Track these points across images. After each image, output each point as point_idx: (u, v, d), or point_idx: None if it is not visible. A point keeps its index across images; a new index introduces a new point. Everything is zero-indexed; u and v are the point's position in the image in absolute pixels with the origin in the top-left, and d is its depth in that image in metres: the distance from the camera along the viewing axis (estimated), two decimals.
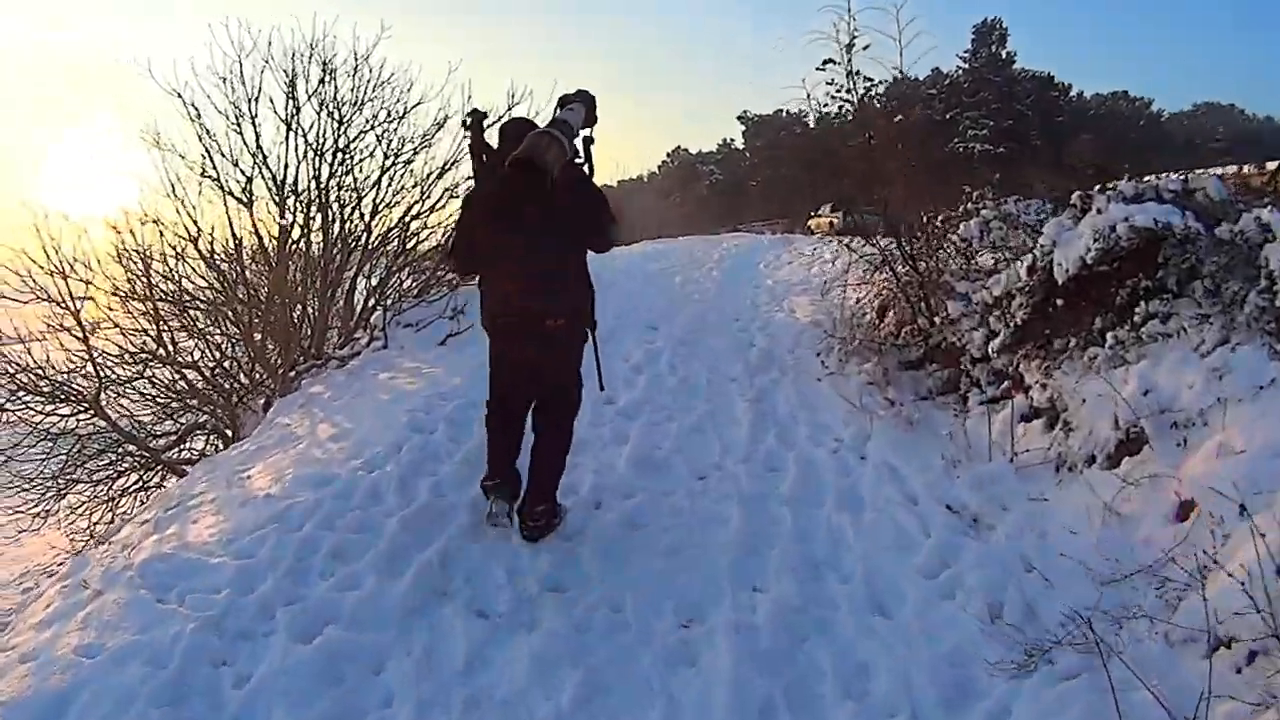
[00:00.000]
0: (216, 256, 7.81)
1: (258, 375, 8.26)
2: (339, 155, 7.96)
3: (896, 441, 4.71)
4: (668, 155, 65.93)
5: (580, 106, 3.52)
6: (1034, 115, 45.48)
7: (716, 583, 3.31)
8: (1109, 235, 4.05)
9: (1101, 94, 50.00)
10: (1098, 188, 4.62)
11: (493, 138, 3.69)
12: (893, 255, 6.40)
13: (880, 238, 6.75)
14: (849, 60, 6.58)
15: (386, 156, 8.13)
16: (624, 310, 7.94)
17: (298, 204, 7.92)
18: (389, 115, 8.08)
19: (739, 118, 55.85)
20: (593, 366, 3.81)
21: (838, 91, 6.63)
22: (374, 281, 8.55)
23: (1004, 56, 47.78)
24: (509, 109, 7.94)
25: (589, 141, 3.55)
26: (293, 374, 7.73)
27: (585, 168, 3.57)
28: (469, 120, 3.65)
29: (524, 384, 3.71)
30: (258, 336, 8.10)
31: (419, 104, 8.20)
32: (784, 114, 54.81)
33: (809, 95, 6.96)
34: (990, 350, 4.80)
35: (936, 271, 6.11)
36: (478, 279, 3.71)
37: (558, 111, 3.53)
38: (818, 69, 6.61)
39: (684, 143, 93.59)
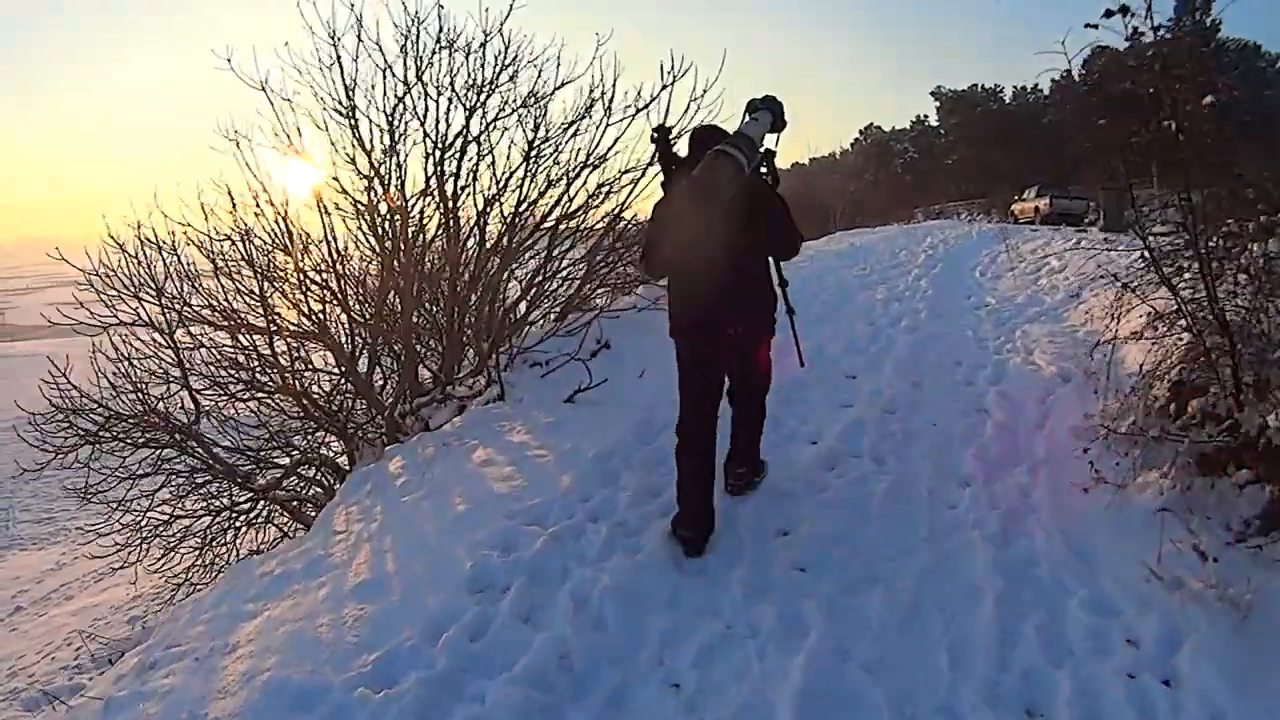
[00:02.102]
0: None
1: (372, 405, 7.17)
2: (466, 145, 6.82)
3: (1226, 652, 2.78)
4: (860, 132, 62.71)
5: (766, 114, 3.58)
6: (1242, 90, 39.44)
7: None
8: None
9: None
10: None
11: (682, 147, 3.79)
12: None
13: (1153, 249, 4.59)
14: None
15: (531, 146, 6.92)
16: (813, 346, 5.81)
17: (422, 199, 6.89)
18: (528, 97, 6.84)
19: (933, 93, 52.33)
20: (790, 345, 4.02)
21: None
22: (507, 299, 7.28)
23: (1208, 24, 41.70)
24: (664, 87, 6.91)
25: (771, 154, 3.61)
26: (408, 411, 6.57)
27: (770, 178, 3.63)
28: (655, 135, 3.80)
29: (712, 386, 3.72)
30: (362, 363, 6.97)
31: (565, 84, 6.90)
32: (979, 89, 51.25)
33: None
34: None
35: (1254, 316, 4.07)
36: (666, 281, 3.90)
37: (745, 118, 3.59)
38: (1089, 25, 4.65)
39: (876, 119, 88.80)
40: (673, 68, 6.83)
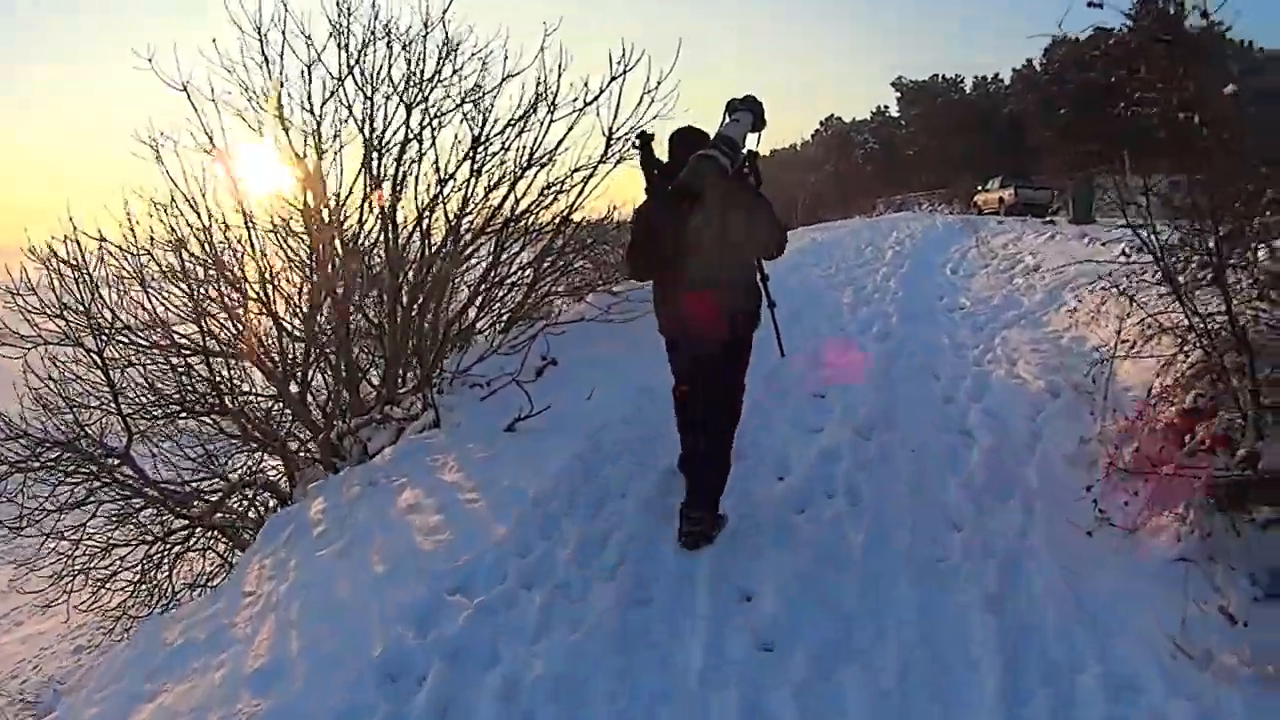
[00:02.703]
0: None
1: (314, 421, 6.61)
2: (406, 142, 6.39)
3: None
4: (821, 124, 62.36)
5: (746, 115, 3.60)
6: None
7: None
8: None
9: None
10: None
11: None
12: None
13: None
14: None
15: (476, 142, 6.45)
16: (778, 360, 5.06)
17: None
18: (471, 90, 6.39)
19: (894, 84, 51.92)
20: (771, 340, 3.95)
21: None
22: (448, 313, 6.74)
23: (1173, 14, 41.86)
24: (613, 79, 6.45)
25: (753, 155, 3.61)
26: (346, 431, 5.99)
27: (753, 178, 3.63)
28: (638, 142, 3.72)
29: (694, 380, 3.72)
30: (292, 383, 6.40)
31: (510, 77, 6.40)
32: (940, 79, 51.11)
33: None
34: None
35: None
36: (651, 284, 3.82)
37: (725, 119, 3.61)
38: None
39: (837, 110, 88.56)
40: (623, 57, 6.33)
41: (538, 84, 6.39)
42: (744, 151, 3.54)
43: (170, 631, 3.46)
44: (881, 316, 7.48)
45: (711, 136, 3.52)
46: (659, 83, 6.39)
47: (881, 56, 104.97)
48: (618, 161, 6.73)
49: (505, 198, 6.62)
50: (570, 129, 6.56)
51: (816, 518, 3.76)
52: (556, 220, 7.01)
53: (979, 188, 30.55)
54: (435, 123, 6.38)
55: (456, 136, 6.52)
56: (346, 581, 3.40)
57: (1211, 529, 3.24)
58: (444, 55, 6.31)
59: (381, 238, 6.49)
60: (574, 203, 6.93)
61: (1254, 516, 3.23)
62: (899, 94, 52.17)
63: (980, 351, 6.16)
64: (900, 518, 3.68)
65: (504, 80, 6.38)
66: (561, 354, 5.92)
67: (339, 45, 6.16)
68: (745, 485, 4.02)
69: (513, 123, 6.44)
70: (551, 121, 6.48)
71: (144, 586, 7.05)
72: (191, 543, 7.19)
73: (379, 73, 6.22)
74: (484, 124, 6.39)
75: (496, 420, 4.85)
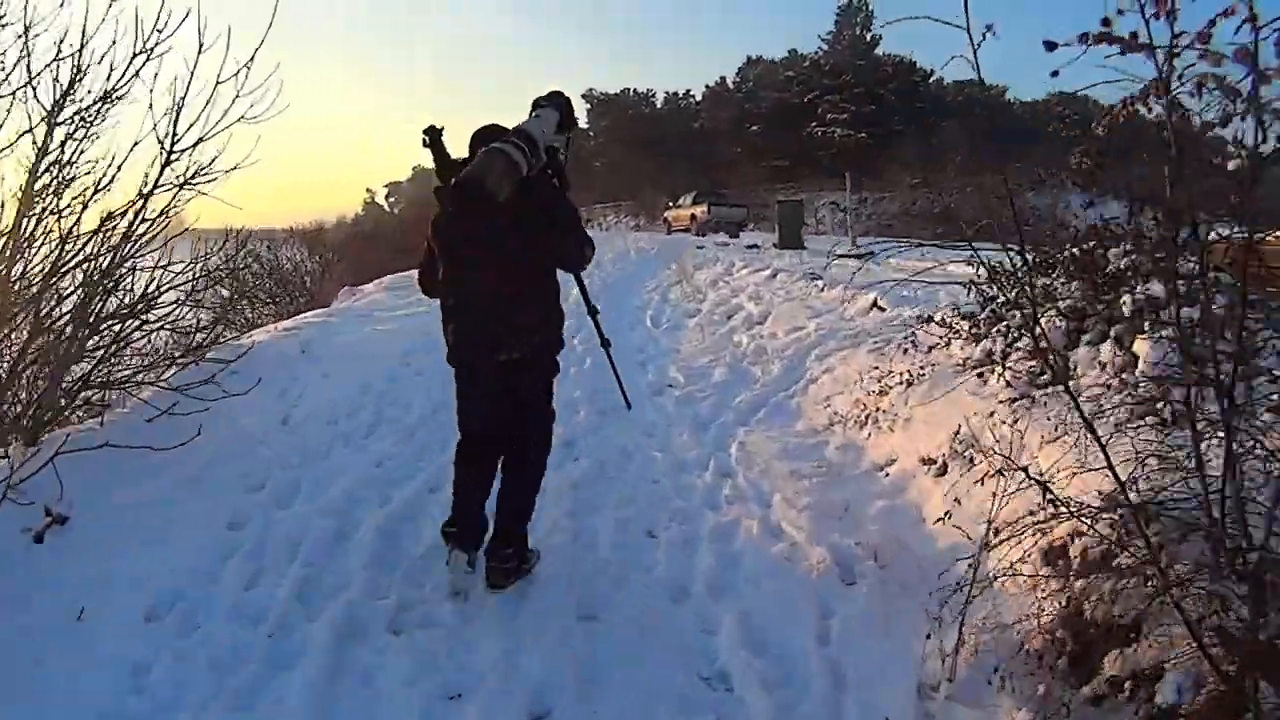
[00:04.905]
0: None
1: None
2: None
3: None
4: None
5: (551, 111, 3.27)
6: (896, 101, 43.17)
7: None
8: None
9: (960, 80, 48.28)
10: None
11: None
12: None
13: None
14: None
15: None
16: (386, 530, 3.63)
17: None
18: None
19: (584, 95, 51.67)
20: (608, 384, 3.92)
21: None
22: None
23: (868, 40, 45.18)
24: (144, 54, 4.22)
25: (553, 150, 3.21)
26: None
27: (555, 180, 3.26)
28: (426, 138, 3.17)
29: (489, 419, 3.30)
30: None
31: None
32: (631, 93, 51.61)
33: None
34: None
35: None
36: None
37: (529, 116, 3.25)
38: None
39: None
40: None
41: None
42: (547, 148, 3.09)
43: None
44: (565, 409, 5.15)
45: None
46: (246, 74, 4.23)
47: (577, 66, 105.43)
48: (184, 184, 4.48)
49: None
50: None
51: None
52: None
53: (670, 204, 29.98)
54: None
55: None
56: None
57: None
58: None
59: None
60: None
61: None
62: (589, 106, 51.99)
63: (712, 476, 4.13)
64: None
65: None
66: (82, 495, 3.36)
67: None
68: None
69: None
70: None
71: None
72: None
73: None
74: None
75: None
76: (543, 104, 3.29)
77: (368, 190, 72.53)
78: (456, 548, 3.16)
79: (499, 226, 3.02)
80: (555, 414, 3.45)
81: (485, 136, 3.11)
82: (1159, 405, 3.05)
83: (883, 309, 6.17)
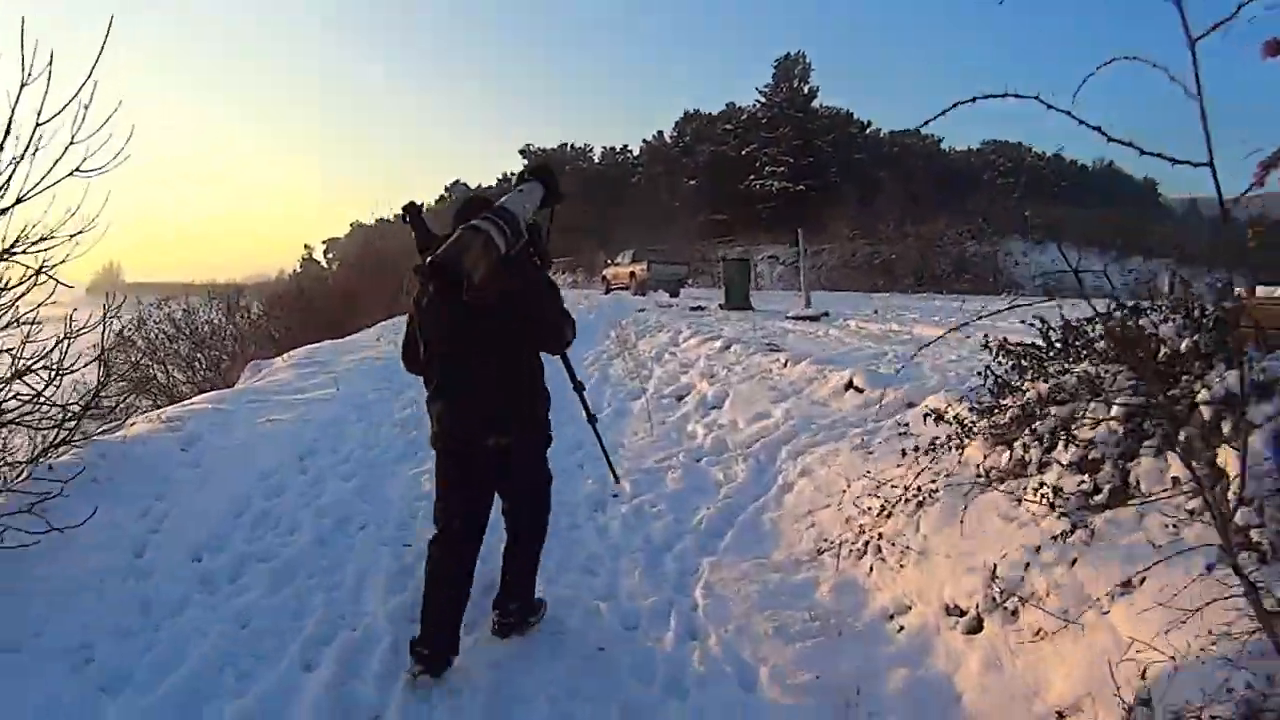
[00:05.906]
0: None
1: None
2: None
3: None
4: (446, 189, 60.91)
5: (535, 186, 3.21)
6: (834, 152, 43.53)
7: None
8: None
9: (895, 130, 48.99)
10: None
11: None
12: None
13: None
14: None
15: None
16: None
17: None
18: None
19: (521, 151, 51.56)
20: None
21: None
22: None
23: (805, 92, 45.65)
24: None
25: (535, 227, 3.12)
26: None
27: (537, 259, 3.16)
28: (406, 215, 3.16)
29: (474, 516, 3.17)
30: None
31: None
32: (569, 147, 51.63)
33: None
34: None
35: None
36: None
37: (514, 190, 3.21)
38: None
39: (463, 176, 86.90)
40: None
41: None
42: (530, 226, 3.05)
43: None
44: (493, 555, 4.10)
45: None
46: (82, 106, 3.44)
47: (512, 128, 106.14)
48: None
49: None
50: None
51: None
52: None
53: (609, 261, 29.21)
54: None
55: None
56: None
57: None
58: None
59: None
60: None
61: None
62: (526, 161, 51.87)
63: (674, 639, 3.18)
64: None
65: None
66: None
67: None
68: None
69: None
70: None
71: None
72: None
73: None
74: None
75: None
76: (528, 178, 3.24)
77: (306, 246, 71.64)
78: (425, 671, 2.93)
79: (479, 308, 2.91)
80: (552, 477, 3.38)
81: (467, 213, 3.00)
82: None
83: (860, 389, 5.29)
